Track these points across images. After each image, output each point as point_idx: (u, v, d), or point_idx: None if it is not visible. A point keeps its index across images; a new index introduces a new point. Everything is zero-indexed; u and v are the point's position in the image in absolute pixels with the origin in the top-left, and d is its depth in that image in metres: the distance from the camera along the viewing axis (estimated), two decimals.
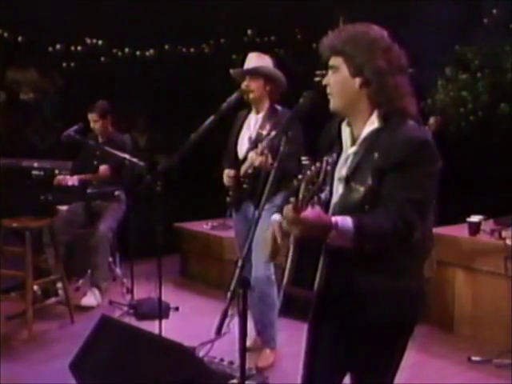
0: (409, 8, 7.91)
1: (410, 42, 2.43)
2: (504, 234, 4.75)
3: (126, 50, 8.14)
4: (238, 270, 2.28)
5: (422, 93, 7.62)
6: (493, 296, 4.77)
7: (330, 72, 2.31)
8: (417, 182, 2.16)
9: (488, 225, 5.02)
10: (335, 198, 2.31)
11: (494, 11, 8.24)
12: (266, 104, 4.30)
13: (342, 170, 2.31)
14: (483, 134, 7.26)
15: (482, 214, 5.02)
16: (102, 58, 8.00)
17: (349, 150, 2.32)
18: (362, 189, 2.19)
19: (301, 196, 2.10)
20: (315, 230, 2.11)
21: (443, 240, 5.08)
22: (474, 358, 4.44)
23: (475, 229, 4.92)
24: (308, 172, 2.13)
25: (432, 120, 5.60)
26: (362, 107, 2.28)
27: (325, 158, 2.17)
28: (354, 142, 2.32)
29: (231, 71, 4.38)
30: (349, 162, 2.30)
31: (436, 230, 5.17)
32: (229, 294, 2.25)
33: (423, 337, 4.96)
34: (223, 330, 3.89)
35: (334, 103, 2.30)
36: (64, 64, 7.85)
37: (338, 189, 2.31)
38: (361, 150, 2.27)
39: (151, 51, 8.25)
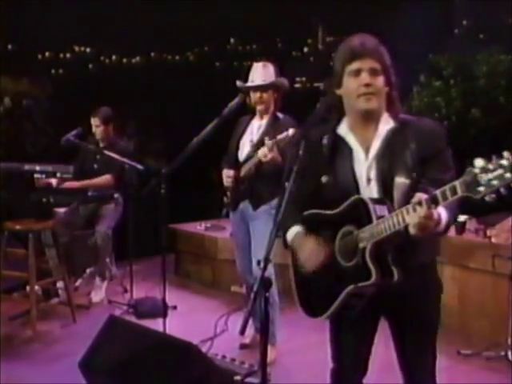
0: (384, 18, 8.15)
1: (387, 50, 2.66)
2: (489, 232, 4.99)
3: (114, 57, 8.26)
4: (260, 271, 2.38)
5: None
6: (479, 291, 4.98)
7: (371, 74, 2.47)
8: (450, 162, 2.49)
9: (471, 224, 5.24)
10: (367, 194, 2.48)
11: (464, 22, 8.60)
12: (271, 111, 4.41)
13: (369, 170, 2.53)
14: (456, 138, 7.48)
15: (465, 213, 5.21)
16: (90, 65, 8.12)
17: (370, 150, 2.54)
18: (407, 181, 2.42)
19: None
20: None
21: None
22: (463, 352, 4.57)
23: (461, 228, 5.14)
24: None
25: None
26: (383, 110, 2.56)
27: None
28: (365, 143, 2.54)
29: (239, 84, 4.42)
30: (375, 161, 2.51)
31: None
32: (252, 295, 2.37)
33: None
34: (222, 328, 3.92)
35: (377, 103, 2.50)
36: (53, 71, 7.96)
37: (372, 187, 2.51)
38: (384, 147, 2.52)
39: (138, 58, 8.39)
